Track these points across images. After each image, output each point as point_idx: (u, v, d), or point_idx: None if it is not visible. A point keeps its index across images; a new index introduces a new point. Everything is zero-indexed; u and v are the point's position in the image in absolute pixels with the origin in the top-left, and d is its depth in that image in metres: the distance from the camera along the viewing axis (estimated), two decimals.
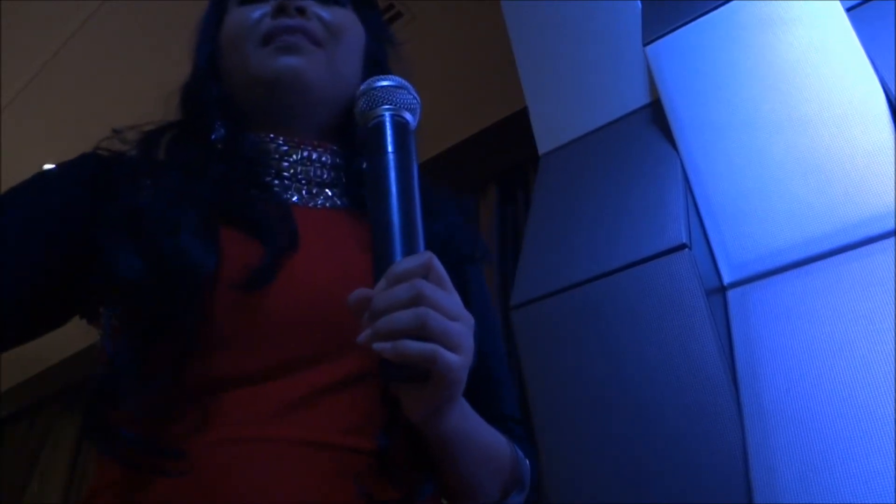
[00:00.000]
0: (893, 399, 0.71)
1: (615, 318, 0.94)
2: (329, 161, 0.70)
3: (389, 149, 0.55)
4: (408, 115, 0.58)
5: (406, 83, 0.60)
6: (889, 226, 0.82)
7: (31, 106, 2.66)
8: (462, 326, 0.50)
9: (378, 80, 0.59)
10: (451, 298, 0.51)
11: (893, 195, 0.83)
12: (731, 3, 1.09)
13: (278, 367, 0.56)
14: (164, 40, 2.41)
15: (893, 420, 0.69)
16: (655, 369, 0.87)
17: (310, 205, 0.67)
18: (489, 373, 0.69)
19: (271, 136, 0.69)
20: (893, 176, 0.84)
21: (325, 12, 0.70)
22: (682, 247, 0.91)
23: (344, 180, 0.71)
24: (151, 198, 0.59)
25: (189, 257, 0.55)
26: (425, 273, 0.49)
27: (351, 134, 0.69)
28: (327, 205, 0.68)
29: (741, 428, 0.79)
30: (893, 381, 0.72)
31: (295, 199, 0.67)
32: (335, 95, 0.71)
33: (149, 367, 0.53)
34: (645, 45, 1.17)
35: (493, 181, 2.48)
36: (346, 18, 0.72)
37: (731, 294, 0.93)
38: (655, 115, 1.16)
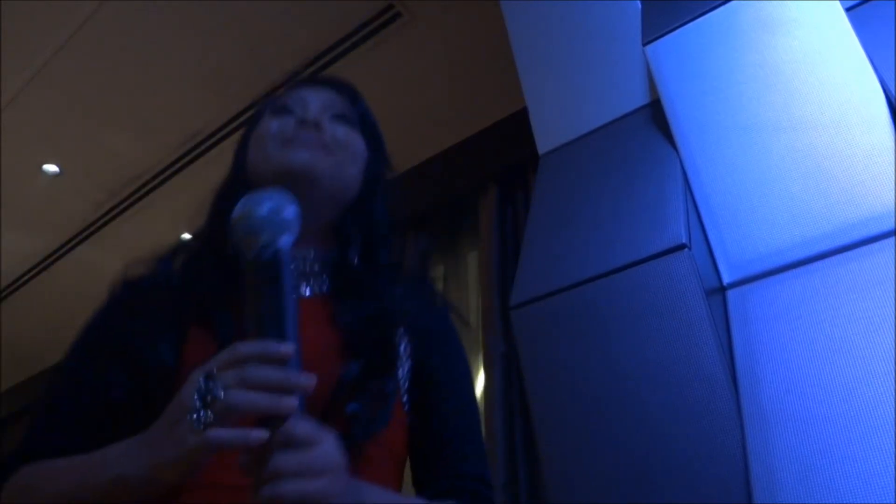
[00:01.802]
0: (893, 399, 0.71)
1: (615, 318, 0.94)
2: (322, 256, 0.82)
3: (266, 282, 0.58)
4: (285, 238, 0.60)
5: (284, 200, 0.61)
6: (888, 226, 0.82)
7: (31, 106, 2.66)
8: (321, 482, 0.54)
9: (257, 205, 0.60)
10: (309, 455, 0.54)
11: (893, 195, 0.83)
12: (730, 4, 1.09)
13: None
14: (163, 40, 2.41)
15: (893, 420, 0.69)
16: (655, 369, 0.87)
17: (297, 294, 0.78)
18: (452, 433, 0.78)
19: None
20: (893, 176, 0.84)
21: (337, 128, 0.83)
22: (681, 247, 0.91)
23: (331, 270, 0.81)
24: (143, 320, 0.72)
25: (156, 364, 0.67)
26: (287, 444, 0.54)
27: (344, 232, 0.82)
28: (316, 290, 0.80)
29: (741, 428, 0.79)
30: (893, 381, 0.72)
31: None
32: (337, 194, 0.82)
33: None
34: (645, 44, 1.17)
35: (493, 181, 2.48)
36: (352, 136, 0.85)
37: (730, 294, 0.93)
38: (655, 115, 1.16)
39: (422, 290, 0.88)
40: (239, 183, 0.82)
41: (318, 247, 0.81)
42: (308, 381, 0.55)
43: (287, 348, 0.55)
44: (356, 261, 0.81)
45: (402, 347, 0.78)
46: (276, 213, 0.59)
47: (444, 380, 0.77)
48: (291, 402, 0.54)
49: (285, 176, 0.77)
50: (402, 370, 0.77)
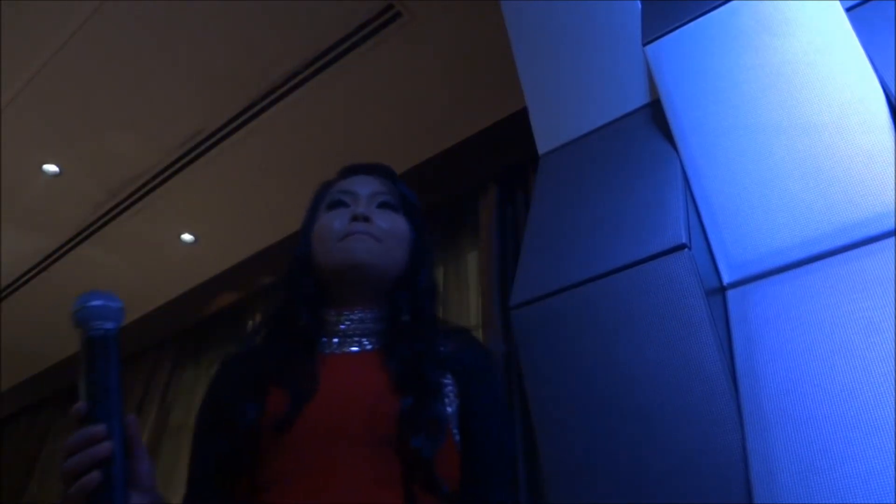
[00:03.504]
0: (893, 399, 0.71)
1: (615, 318, 0.94)
2: (378, 317, 0.99)
3: (92, 360, 0.76)
4: (111, 324, 0.78)
5: (110, 300, 0.79)
6: (888, 226, 0.82)
7: (31, 106, 2.66)
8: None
9: (88, 301, 0.78)
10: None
11: (893, 195, 0.84)
12: (730, 3, 1.09)
13: (307, 468, 0.83)
14: (163, 40, 2.41)
15: (893, 420, 0.69)
16: (655, 370, 0.87)
17: (354, 350, 0.96)
18: (482, 462, 0.91)
19: (334, 310, 1.00)
20: (893, 176, 0.84)
21: (384, 219, 1.01)
22: (681, 247, 0.91)
23: (385, 327, 0.98)
24: (234, 388, 0.92)
25: (244, 422, 0.85)
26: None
27: (394, 297, 1.00)
28: (375, 345, 0.97)
29: (741, 428, 0.79)
30: (893, 382, 0.72)
31: (354, 349, 0.96)
32: (387, 274, 1.00)
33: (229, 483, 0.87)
34: (645, 44, 1.17)
35: (493, 181, 2.48)
36: (398, 222, 1.03)
37: (730, 294, 0.94)
38: (655, 115, 1.16)
39: (462, 336, 1.04)
40: (306, 268, 1.02)
41: (375, 310, 0.99)
42: (104, 452, 0.72)
43: (99, 430, 0.73)
44: (406, 318, 0.97)
45: (449, 388, 0.93)
46: (104, 307, 0.77)
47: (484, 417, 0.93)
48: (95, 477, 0.71)
49: (345, 268, 0.97)
50: (451, 408, 0.91)
